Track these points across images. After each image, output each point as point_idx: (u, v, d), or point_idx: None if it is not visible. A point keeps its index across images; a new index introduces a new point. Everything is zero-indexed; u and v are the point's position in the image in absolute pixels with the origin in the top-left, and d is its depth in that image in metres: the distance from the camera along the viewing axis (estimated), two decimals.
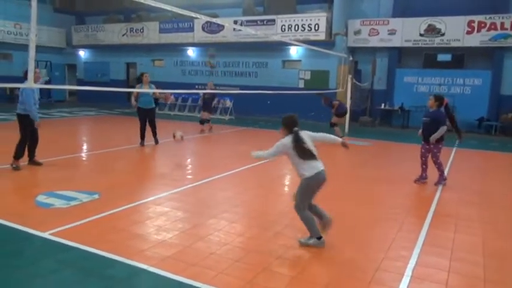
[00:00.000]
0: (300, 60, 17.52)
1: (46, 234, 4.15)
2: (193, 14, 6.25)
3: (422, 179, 7.04)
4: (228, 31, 17.55)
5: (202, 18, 6.57)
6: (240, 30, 16.76)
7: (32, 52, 3.93)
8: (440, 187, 6.75)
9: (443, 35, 15.19)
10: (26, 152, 7.09)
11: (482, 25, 14.61)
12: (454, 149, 10.81)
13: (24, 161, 7.08)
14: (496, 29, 14.48)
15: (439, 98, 6.78)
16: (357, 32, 16.58)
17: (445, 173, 7.13)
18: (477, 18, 14.64)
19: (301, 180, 4.13)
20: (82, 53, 23.43)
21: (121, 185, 6.30)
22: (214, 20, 7.70)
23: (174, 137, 9.82)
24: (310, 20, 16.23)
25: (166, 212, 5.04)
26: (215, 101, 15.72)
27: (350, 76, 14.18)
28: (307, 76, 17.19)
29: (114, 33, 21.25)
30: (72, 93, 24.18)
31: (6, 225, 4.40)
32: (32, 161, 7.19)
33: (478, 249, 4.26)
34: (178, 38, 19.24)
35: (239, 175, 7.30)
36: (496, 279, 3.60)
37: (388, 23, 16.07)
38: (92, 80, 22.23)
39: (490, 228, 4.95)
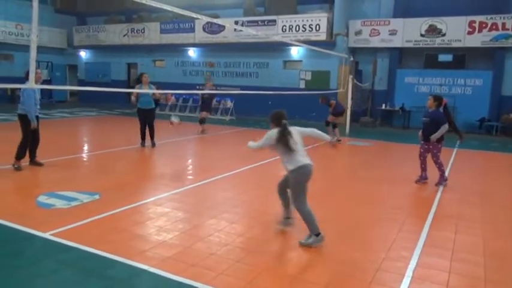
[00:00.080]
0: (300, 61, 17.53)
1: (47, 235, 4.15)
2: (194, 15, 6.26)
3: (422, 179, 7.04)
4: (229, 31, 17.57)
5: (203, 19, 6.58)
6: (240, 30, 16.79)
7: (33, 53, 3.94)
8: (441, 187, 6.74)
9: (444, 35, 15.18)
10: (27, 153, 7.10)
11: (484, 25, 14.60)
12: (455, 150, 10.80)
13: (25, 161, 7.09)
14: (497, 29, 14.46)
15: (438, 98, 6.79)
16: (358, 33, 16.57)
17: (446, 173, 7.12)
18: (478, 18, 14.63)
19: (288, 174, 4.20)
20: (83, 54, 23.47)
21: (122, 185, 6.31)
22: (215, 20, 7.71)
23: (171, 123, 9.95)
24: (311, 20, 16.24)
25: (166, 212, 5.04)
26: (214, 101, 15.71)
27: (351, 76, 14.16)
28: (308, 76, 17.20)
29: (115, 33, 21.28)
30: (73, 93, 24.23)
31: (7, 225, 4.40)
32: (33, 162, 7.20)
33: (478, 249, 4.25)
34: (179, 38, 19.26)
35: (239, 176, 7.30)
36: (496, 280, 3.59)
37: (389, 24, 16.07)
38: (93, 80, 22.26)
39: (491, 228, 4.94)
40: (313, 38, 15.89)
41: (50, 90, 20.91)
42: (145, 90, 9.26)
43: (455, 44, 15.10)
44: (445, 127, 6.57)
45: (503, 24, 14.34)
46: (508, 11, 14.63)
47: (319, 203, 5.78)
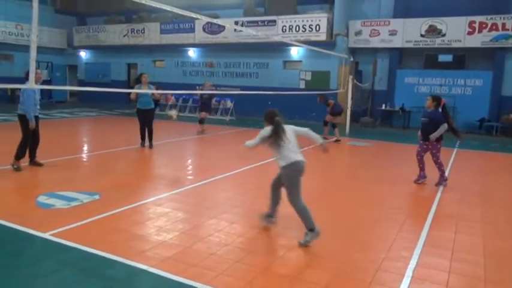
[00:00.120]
0: (300, 61, 17.53)
1: (47, 235, 4.15)
2: (194, 15, 6.26)
3: (421, 178, 7.05)
4: (229, 32, 17.58)
5: (203, 19, 6.58)
6: (240, 31, 16.79)
7: (33, 53, 3.94)
8: (441, 188, 6.74)
9: (444, 35, 15.18)
10: (27, 153, 7.10)
11: (484, 26, 14.60)
12: (455, 150, 10.80)
13: (25, 161, 7.09)
14: (497, 29, 14.46)
15: (436, 99, 6.80)
16: (358, 33, 16.57)
17: (446, 173, 7.12)
18: (478, 18, 14.63)
19: (280, 171, 4.28)
20: (83, 54, 23.48)
21: (122, 185, 6.30)
22: (215, 20, 7.71)
23: (171, 118, 10.03)
24: (311, 20, 16.24)
25: (166, 212, 5.04)
26: (214, 101, 15.71)
27: (351, 77, 14.16)
28: (308, 77, 17.20)
29: (115, 34, 21.29)
30: (73, 94, 24.24)
31: (7, 225, 4.40)
32: (33, 162, 7.20)
33: (478, 249, 4.25)
34: (179, 38, 19.27)
35: (239, 176, 7.30)
36: (496, 280, 3.59)
37: (389, 24, 16.07)
38: (93, 80, 22.27)
39: (491, 228, 4.94)
40: (313, 38, 15.89)
41: (50, 90, 20.92)
42: (144, 90, 9.24)
43: (455, 45, 15.10)
44: (444, 126, 6.58)
45: (503, 25, 14.34)
46: (508, 11, 14.63)
47: (319, 203, 5.79)
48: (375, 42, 16.37)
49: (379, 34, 16.22)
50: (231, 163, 8.15)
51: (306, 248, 4.10)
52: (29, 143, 7.04)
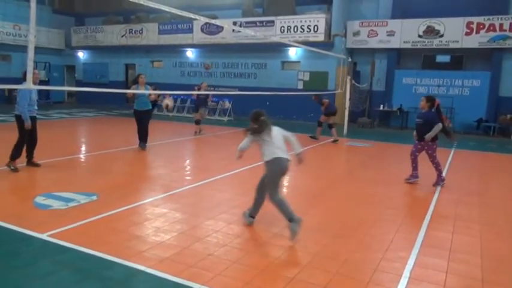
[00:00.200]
0: (299, 62, 17.55)
1: (44, 236, 4.14)
2: (192, 15, 6.26)
3: (413, 177, 7.06)
4: (227, 32, 17.58)
5: (201, 20, 6.57)
6: (239, 31, 16.79)
7: (30, 53, 3.93)
8: (438, 188, 6.76)
9: (442, 36, 15.22)
10: (24, 153, 7.08)
11: (481, 26, 14.65)
12: (453, 150, 10.83)
13: (22, 162, 7.07)
14: (494, 30, 14.51)
15: (430, 99, 6.83)
16: (356, 33, 16.60)
17: (444, 174, 7.14)
18: (476, 19, 14.68)
19: (264, 167, 4.40)
20: (81, 54, 23.45)
21: (119, 186, 6.30)
22: (213, 21, 7.69)
23: (167, 107, 9.99)
24: (309, 21, 16.26)
25: (164, 213, 5.04)
26: (210, 101, 15.66)
27: (349, 77, 14.19)
28: (306, 77, 17.22)
29: (113, 34, 21.26)
30: (71, 94, 24.21)
31: (4, 226, 4.39)
32: (30, 162, 7.18)
33: (476, 250, 4.26)
34: (177, 39, 19.26)
35: (238, 176, 7.30)
36: (493, 280, 3.60)
37: (387, 24, 16.11)
38: (91, 81, 22.24)
39: (488, 229, 4.95)
40: (312, 39, 15.91)
41: (48, 91, 20.90)
42: (141, 90, 9.19)
43: (452, 45, 15.15)
44: (438, 126, 6.60)
45: (501, 25, 14.40)
46: (506, 12, 14.69)
47: (317, 203, 5.80)
48: (373, 43, 16.40)
49: (377, 35, 16.25)
50: (229, 163, 8.14)
51: (303, 248, 4.10)
52: (27, 143, 7.03)
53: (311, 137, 11.88)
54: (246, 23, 17.38)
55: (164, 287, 3.29)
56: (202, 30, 18.59)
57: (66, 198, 5.44)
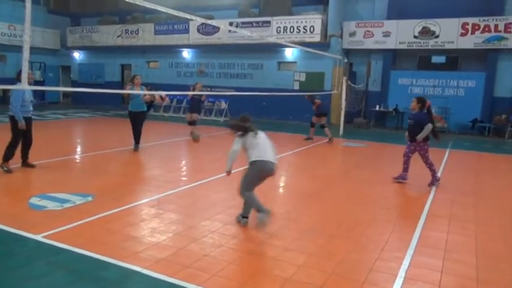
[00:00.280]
0: (295, 62, 17.57)
1: (39, 237, 4.12)
2: (188, 16, 6.25)
3: (401, 178, 7.09)
4: (224, 33, 17.57)
5: (197, 20, 6.57)
6: (235, 32, 16.78)
7: (25, 53, 3.91)
8: (433, 188, 6.78)
9: (437, 37, 15.29)
10: (19, 154, 7.04)
11: (476, 27, 14.72)
12: (448, 150, 10.88)
13: (17, 163, 7.04)
14: (489, 31, 14.59)
15: (421, 100, 6.86)
16: (352, 34, 16.64)
17: (439, 174, 7.16)
18: (471, 20, 14.75)
19: (248, 166, 4.52)
20: (76, 55, 23.35)
21: (115, 187, 6.28)
22: (209, 21, 7.69)
23: (162, 99, 9.98)
24: (306, 22, 16.29)
25: (160, 214, 5.03)
26: (206, 103, 15.64)
27: (345, 78, 14.22)
28: (302, 78, 17.23)
29: (109, 34, 21.20)
30: (66, 95, 24.09)
31: None
32: (25, 163, 7.14)
33: (471, 249, 4.28)
34: (174, 39, 19.23)
35: (233, 177, 7.24)
36: (488, 280, 3.62)
37: (382, 25, 16.16)
38: (87, 81, 22.15)
39: (483, 228, 4.98)
40: (308, 40, 15.94)
41: (43, 91, 20.78)
42: (136, 91, 9.13)
43: (448, 46, 15.22)
44: (428, 127, 6.63)
45: (496, 26, 14.48)
46: (501, 13, 14.77)
47: (313, 203, 5.80)
48: (369, 44, 16.45)
49: (373, 35, 16.30)
50: (224, 164, 8.11)
51: (299, 248, 4.10)
52: (22, 144, 6.99)
53: (306, 139, 11.91)
54: (242, 23, 17.38)
55: (159, 287, 3.29)
56: (198, 30, 18.57)
57: (61, 199, 5.41)
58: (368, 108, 16.84)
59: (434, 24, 15.29)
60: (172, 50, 19.67)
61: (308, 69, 17.06)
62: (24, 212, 4.95)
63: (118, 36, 20.95)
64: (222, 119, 17.08)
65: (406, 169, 7.08)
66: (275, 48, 17.22)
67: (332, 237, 4.51)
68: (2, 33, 19.83)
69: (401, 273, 3.64)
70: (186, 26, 18.77)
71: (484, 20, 14.61)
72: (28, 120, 6.88)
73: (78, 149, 9.98)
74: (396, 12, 16.20)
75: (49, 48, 22.35)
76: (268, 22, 17.01)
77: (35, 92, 7.53)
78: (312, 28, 16.15)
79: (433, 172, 6.90)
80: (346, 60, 15.97)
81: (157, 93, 10.47)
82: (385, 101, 16.58)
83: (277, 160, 4.65)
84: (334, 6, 16.28)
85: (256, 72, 18.18)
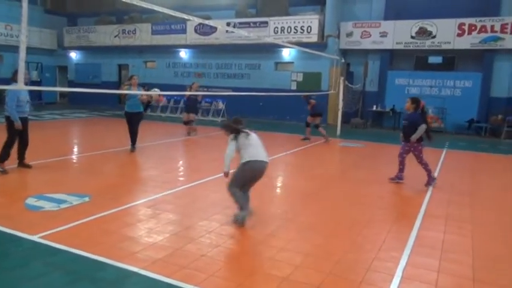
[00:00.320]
0: (292, 62, 17.59)
1: (35, 237, 4.11)
2: (185, 16, 6.24)
3: (397, 178, 7.12)
4: (221, 33, 17.57)
5: (194, 20, 6.56)
6: (232, 32, 16.78)
7: (22, 53, 3.89)
8: (430, 188, 6.80)
9: (434, 37, 15.34)
10: (16, 155, 7.02)
11: (473, 28, 14.78)
12: (445, 150, 10.92)
13: (13, 163, 7.01)
14: (486, 31, 14.65)
15: (415, 101, 6.89)
16: (349, 34, 16.67)
17: (436, 173, 7.19)
18: (467, 20, 14.81)
19: (240, 166, 4.61)
20: (73, 55, 23.29)
21: (112, 187, 6.26)
22: (207, 21, 7.68)
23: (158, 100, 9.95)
24: (303, 22, 16.30)
25: (157, 214, 5.02)
26: (203, 102, 15.61)
27: (342, 78, 14.25)
28: (300, 78, 17.25)
29: (106, 34, 21.16)
30: (63, 95, 24.01)
31: None
32: (22, 164, 7.11)
33: (467, 249, 4.30)
34: (171, 39, 19.21)
35: (230, 177, 7.27)
36: (485, 279, 3.63)
37: (379, 26, 16.19)
38: (83, 81, 22.08)
39: (480, 228, 4.99)
40: (305, 40, 15.95)
41: (40, 91, 20.71)
42: (133, 91, 9.10)
43: (445, 46, 15.27)
44: (422, 128, 6.65)
45: (492, 27, 14.54)
46: (497, 13, 14.83)
47: (310, 203, 5.81)
48: (366, 44, 16.49)
49: (370, 36, 16.33)
50: (222, 164, 8.11)
51: (296, 248, 4.11)
52: (18, 144, 6.96)
53: (303, 139, 11.92)
54: (240, 23, 17.38)
55: None
56: (195, 30, 18.56)
57: (58, 199, 5.40)
58: (365, 108, 16.87)
59: (431, 25, 15.34)
60: (170, 50, 19.65)
61: (305, 69, 17.08)
62: (20, 212, 4.93)
63: (115, 36, 20.91)
64: (219, 119, 17.06)
65: (401, 169, 7.10)
66: (272, 49, 17.23)
67: (329, 237, 4.52)
68: None
69: (399, 273, 3.65)
70: (184, 26, 18.75)
71: (480, 21, 14.67)
72: (24, 121, 6.86)
73: (75, 150, 9.96)
74: (393, 12, 16.24)
75: (46, 48, 22.28)
76: (266, 22, 17.02)
77: (31, 92, 7.50)
78: (309, 28, 16.17)
79: (429, 172, 6.92)
80: (343, 60, 16.00)
81: (154, 93, 10.42)
82: (382, 101, 16.62)
83: (269, 159, 4.73)
84: (331, 7, 16.30)
85: (253, 72, 18.19)
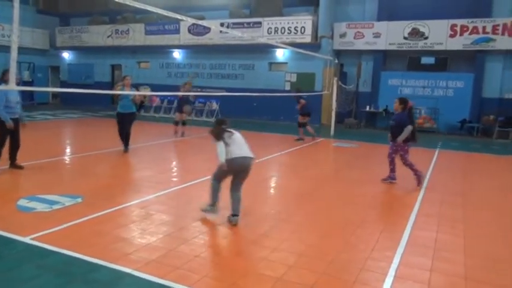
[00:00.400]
0: (286, 63, 17.61)
1: (27, 239, 4.07)
2: (179, 16, 6.23)
3: (390, 178, 7.15)
4: (215, 33, 17.55)
5: (188, 20, 6.55)
6: (226, 32, 16.76)
7: (13, 53, 3.86)
8: (423, 188, 6.84)
9: (426, 38, 15.45)
10: (7, 156, 6.95)
11: (465, 29, 14.91)
12: (437, 151, 10.99)
13: (5, 164, 6.95)
14: (478, 32, 14.78)
15: (403, 101, 6.94)
16: (343, 35, 16.73)
17: (428, 174, 7.22)
18: (460, 22, 14.94)
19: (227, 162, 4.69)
20: (66, 55, 23.12)
21: (105, 188, 6.23)
22: (200, 22, 7.67)
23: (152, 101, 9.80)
24: (297, 22, 16.34)
25: (150, 215, 5.00)
26: (196, 102, 15.53)
27: (336, 78, 14.30)
28: (293, 78, 17.27)
29: (98, 34, 21.03)
30: (55, 95, 23.82)
31: None
32: (13, 165, 7.05)
33: (459, 248, 4.33)
34: (164, 39, 19.15)
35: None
36: (477, 278, 3.66)
37: (373, 27, 16.27)
38: (76, 82, 21.92)
39: (472, 228, 5.04)
40: (299, 40, 15.98)
41: (32, 92, 20.54)
42: (126, 92, 9.03)
43: (437, 47, 15.39)
44: (408, 128, 6.69)
45: (484, 28, 14.67)
46: (489, 14, 14.97)
47: (304, 203, 5.82)
48: (360, 45, 16.55)
49: (364, 36, 16.40)
50: (215, 165, 8.10)
51: (290, 248, 4.12)
52: (10, 146, 6.90)
53: (297, 139, 11.96)
54: (234, 24, 17.37)
55: None
56: (189, 31, 18.52)
57: (50, 200, 5.36)
58: (359, 108, 16.94)
59: (424, 26, 15.45)
60: (163, 50, 19.58)
61: (299, 69, 17.11)
62: (12, 214, 4.89)
63: (108, 37, 20.79)
64: (213, 119, 17.03)
65: (393, 169, 7.14)
66: (266, 49, 17.24)
67: (323, 237, 4.53)
68: None
69: (392, 272, 3.67)
70: (177, 26, 18.70)
71: (472, 22, 14.80)
72: (15, 122, 6.78)
73: (68, 150, 9.89)
74: (386, 13, 16.33)
75: (38, 48, 22.08)
76: (259, 23, 17.03)
77: (23, 92, 7.43)
78: (302, 29, 16.21)
79: (415, 171, 6.94)
80: (336, 61, 16.06)
81: (147, 93, 10.39)
82: (375, 102, 16.70)
83: (254, 155, 4.86)
84: (325, 8, 16.35)
85: (247, 72, 18.19)
